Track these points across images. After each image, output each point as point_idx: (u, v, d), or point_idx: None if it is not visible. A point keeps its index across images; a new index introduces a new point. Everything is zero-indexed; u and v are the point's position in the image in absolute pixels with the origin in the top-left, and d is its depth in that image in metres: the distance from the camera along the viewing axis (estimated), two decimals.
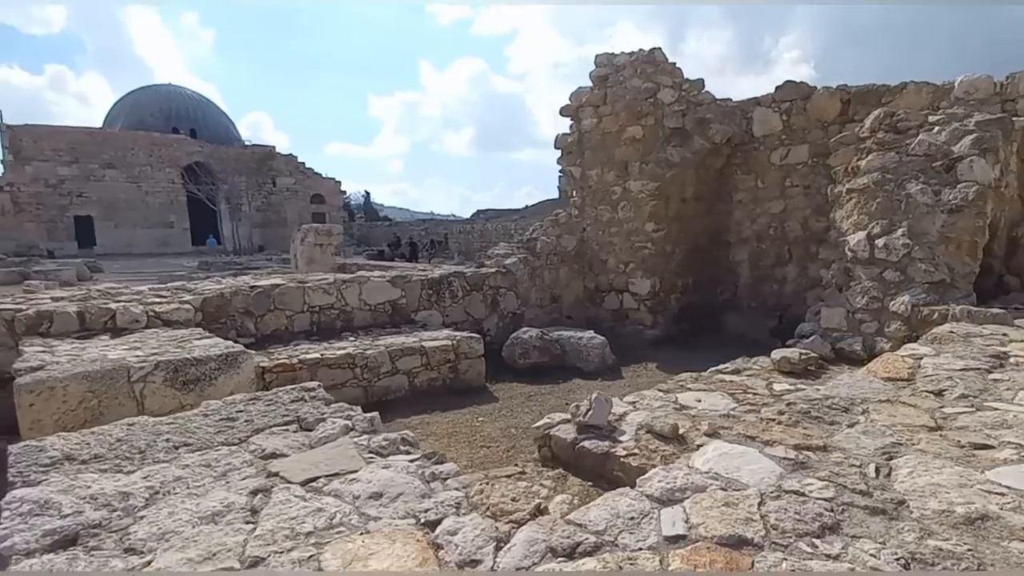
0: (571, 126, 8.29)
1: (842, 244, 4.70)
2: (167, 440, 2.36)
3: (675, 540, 1.43)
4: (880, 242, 4.38)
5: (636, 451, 2.76)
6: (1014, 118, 4.43)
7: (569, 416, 3.24)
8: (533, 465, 3.13)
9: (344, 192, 45.96)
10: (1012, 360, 2.81)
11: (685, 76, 7.28)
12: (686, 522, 1.49)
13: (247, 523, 1.73)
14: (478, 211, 36.68)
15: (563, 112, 8.34)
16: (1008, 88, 4.94)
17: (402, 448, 2.21)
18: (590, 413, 3.02)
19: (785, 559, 1.31)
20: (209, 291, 5.81)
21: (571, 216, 8.36)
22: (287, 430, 2.51)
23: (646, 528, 1.49)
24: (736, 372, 4.08)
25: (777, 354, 4.06)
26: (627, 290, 7.49)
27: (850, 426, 2.07)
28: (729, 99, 7.28)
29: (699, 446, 2.70)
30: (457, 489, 1.84)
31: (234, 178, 34.04)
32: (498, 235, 27.61)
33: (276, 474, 2.04)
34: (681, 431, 2.88)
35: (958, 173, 4.33)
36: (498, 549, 1.46)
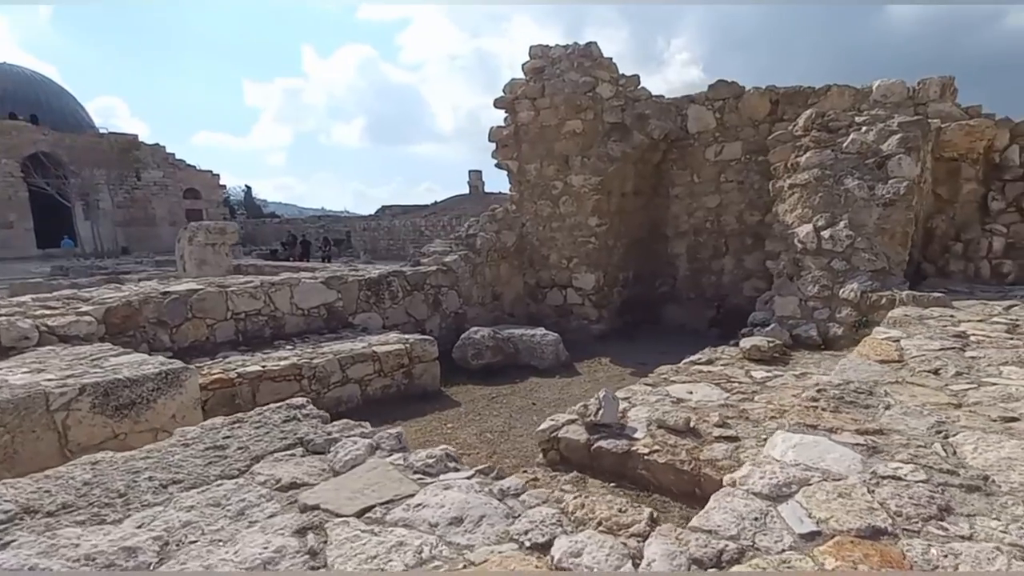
0: (506, 119, 8.24)
1: (790, 236, 5.10)
2: (149, 478, 2.00)
3: (811, 537, 1.43)
4: (826, 234, 4.80)
5: (657, 447, 2.77)
6: (929, 120, 5.04)
7: (575, 416, 3.19)
8: (542, 470, 3.05)
9: (223, 186, 42.45)
10: (973, 338, 3.18)
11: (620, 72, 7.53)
12: (810, 517, 1.50)
13: (312, 568, 1.49)
14: (383, 207, 35.52)
15: (498, 104, 8.26)
16: (919, 92, 5.64)
17: (450, 465, 2.04)
18: (601, 412, 3.00)
19: (931, 545, 1.35)
20: (112, 300, 5.06)
21: (508, 211, 8.32)
22: (293, 455, 2.22)
23: (775, 527, 1.48)
24: (710, 363, 4.27)
25: (747, 343, 4.30)
26: (571, 285, 7.60)
27: (886, 408, 2.22)
28: (662, 96, 7.63)
29: (719, 437, 2.78)
30: (542, 504, 1.72)
31: (89, 171, 30.13)
32: (407, 232, 26.97)
33: (315, 508, 1.79)
34: (692, 424, 2.94)
35: (888, 170, 4.85)
36: (636, 566, 1.37)
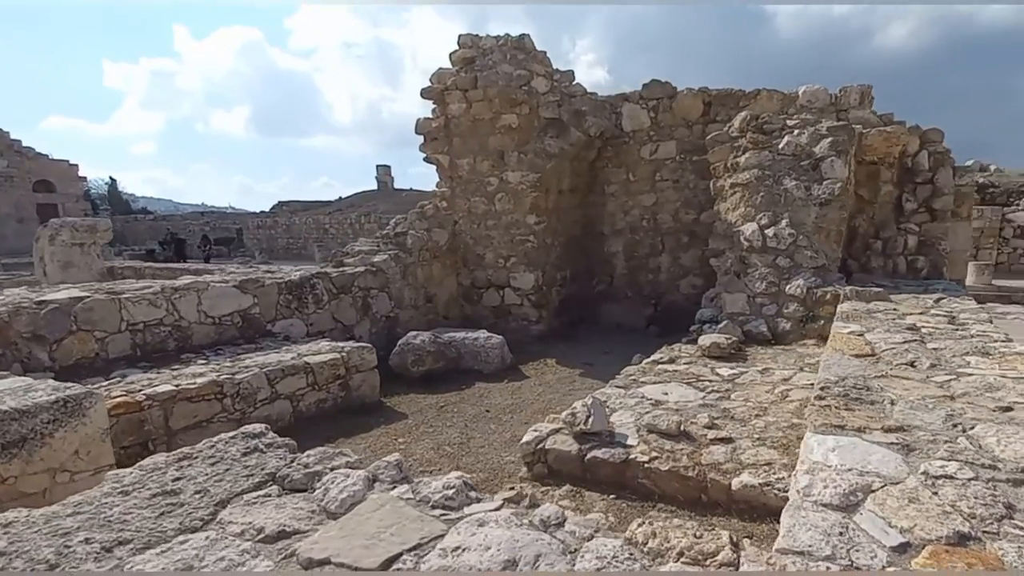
0: (434, 110, 7.95)
1: (735, 234, 5.30)
2: (86, 540, 1.60)
3: (903, 549, 1.38)
4: (770, 232, 5.04)
5: (655, 454, 2.70)
6: (852, 126, 5.46)
7: (559, 425, 3.05)
8: (530, 485, 2.87)
9: (83, 178, 37.80)
10: (924, 330, 3.43)
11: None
12: (891, 527, 1.46)
13: None
14: (279, 203, 33.36)
15: (425, 94, 7.94)
16: (841, 99, 6.11)
17: (471, 495, 1.81)
18: (591, 420, 2.88)
19: (1021, 547, 1.35)
20: None
21: (439, 208, 8.03)
22: (268, 496, 1.89)
23: (862, 541, 1.41)
24: (672, 361, 4.31)
25: (706, 340, 4.39)
26: (509, 285, 7.46)
27: (892, 404, 2.28)
28: (595, 93, 7.71)
29: (714, 439, 2.76)
30: (598, 535, 1.54)
31: None
32: (309, 230, 25.54)
33: (325, 562, 1.49)
34: (683, 427, 2.91)
35: (822, 171, 5.19)
36: None
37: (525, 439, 2.99)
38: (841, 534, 1.43)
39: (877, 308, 4.05)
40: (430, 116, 8.02)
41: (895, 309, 4.03)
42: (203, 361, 4.86)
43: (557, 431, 3.01)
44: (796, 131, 5.50)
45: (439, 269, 7.80)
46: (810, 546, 1.39)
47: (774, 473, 2.42)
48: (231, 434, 2.28)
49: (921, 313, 3.90)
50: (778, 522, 2.30)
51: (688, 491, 2.52)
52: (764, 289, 4.89)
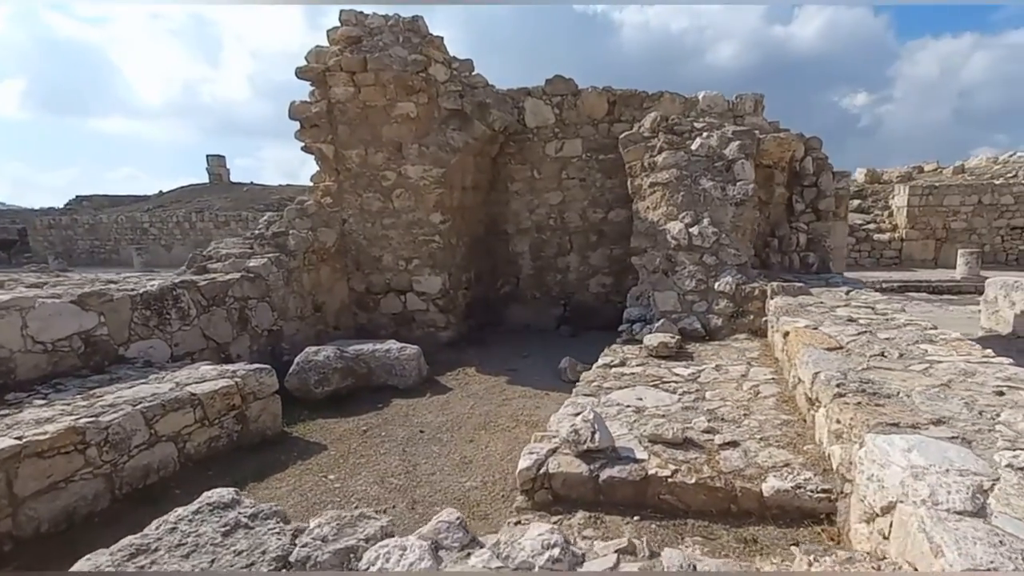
0: (314, 93, 7.20)
1: (660, 233, 5.47)
2: None
3: None
4: (694, 230, 5.27)
5: (673, 467, 2.59)
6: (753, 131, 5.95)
7: (554, 445, 2.82)
8: (535, 515, 2.60)
9: None
10: (861, 322, 3.77)
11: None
12: None
13: None
14: (78, 197, 28.30)
15: (302, 74, 7.16)
16: (737, 106, 6.63)
17: (575, 551, 1.51)
18: (597, 436, 2.69)
19: None
20: None
21: (323, 205, 7.29)
22: None
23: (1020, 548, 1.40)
24: (623, 363, 4.28)
25: (653, 340, 4.44)
26: (411, 289, 6.99)
27: (907, 396, 2.40)
28: (493, 85, 7.55)
29: (722, 444, 2.74)
30: None
31: None
32: (122, 230, 22.06)
33: None
34: (685, 435, 2.85)
35: (735, 172, 5.56)
36: None
37: (523, 465, 2.70)
38: (1000, 543, 1.40)
39: (806, 302, 4.40)
40: (308, 100, 7.25)
41: (821, 302, 4.42)
42: (42, 401, 3.80)
43: (554, 451, 2.77)
44: (705, 133, 5.84)
45: (328, 274, 7.08)
46: (981, 562, 1.34)
47: (799, 474, 2.44)
48: (192, 508, 1.71)
49: (845, 305, 4.31)
50: (817, 525, 2.32)
51: (717, 502, 2.44)
52: (694, 287, 5.11)
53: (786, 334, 3.76)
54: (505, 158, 7.59)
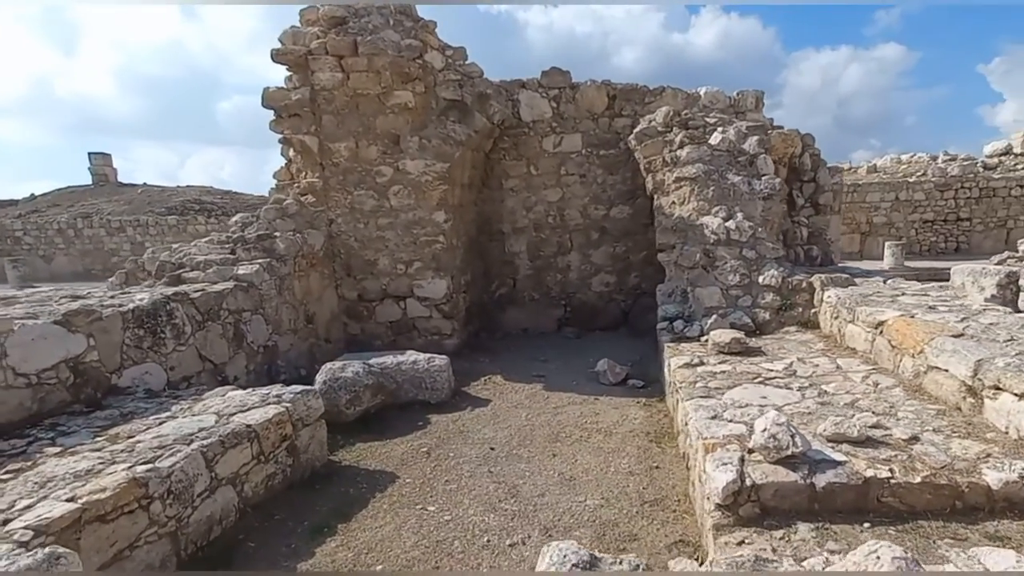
0: (292, 78, 6.50)
1: (691, 228, 5.46)
2: None
3: None
4: (731, 224, 5.31)
5: (884, 467, 2.51)
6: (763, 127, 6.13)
7: (736, 453, 2.65)
8: (750, 532, 2.40)
9: None
10: (941, 309, 3.95)
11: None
12: None
13: None
14: None
15: (280, 58, 6.42)
16: (739, 102, 6.80)
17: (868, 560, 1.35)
18: (797, 439, 2.56)
19: None
20: None
21: (303, 204, 6.59)
22: None
23: None
24: (702, 362, 4.19)
25: (724, 335, 4.39)
26: (412, 295, 6.49)
27: None
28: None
29: (905, 439, 2.72)
30: None
31: None
32: None
33: None
34: (863, 433, 2.79)
35: (758, 167, 5.68)
36: None
37: (725, 478, 2.49)
38: None
39: (866, 292, 4.57)
40: (285, 86, 6.53)
41: (879, 292, 4.60)
42: (55, 448, 3.04)
43: (742, 460, 2.60)
44: (720, 128, 5.93)
45: (317, 281, 6.40)
46: None
47: (1011, 464, 2.44)
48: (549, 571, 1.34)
49: (902, 294, 4.52)
50: None
51: (941, 500, 2.39)
52: (738, 281, 5.14)
53: (877, 325, 3.85)
54: (499, 153, 7.28)
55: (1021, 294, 6.75)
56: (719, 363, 4.16)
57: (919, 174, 13.56)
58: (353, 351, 6.57)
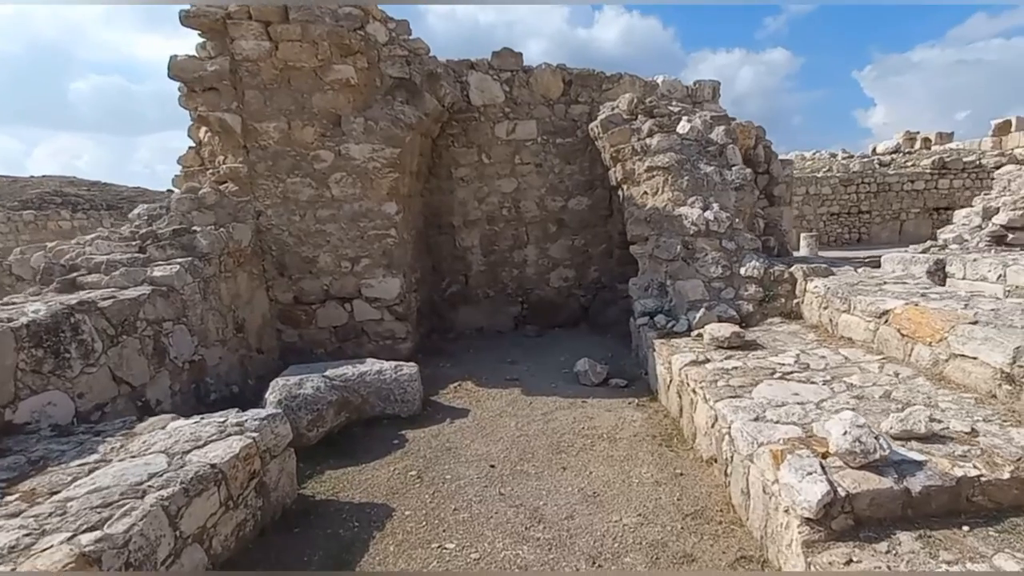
0: (207, 46, 5.65)
1: (666, 219, 5.33)
2: None
3: None
4: (709, 215, 5.23)
5: (969, 462, 2.43)
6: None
7: (813, 463, 2.47)
8: (850, 548, 2.21)
9: None
10: (933, 295, 4.06)
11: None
12: None
13: None
14: None
15: (189, 21, 5.54)
16: (696, 92, 6.79)
17: None
18: (882, 442, 2.42)
19: None
20: None
21: (224, 193, 5.75)
22: None
23: None
24: (707, 360, 4.04)
25: (723, 330, 4.26)
26: (360, 296, 5.86)
27: None
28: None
29: (967, 432, 2.68)
30: None
31: None
32: None
33: None
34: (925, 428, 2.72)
35: (727, 157, 5.67)
36: None
37: (818, 490, 2.28)
38: None
39: (851, 281, 4.65)
40: (198, 55, 5.66)
41: (861, 281, 4.70)
42: None
43: (823, 469, 2.41)
44: (686, 117, 5.88)
45: (246, 282, 5.60)
46: None
47: None
48: None
49: (894, 283, 4.63)
50: None
51: None
52: (720, 273, 5.07)
53: (881, 315, 3.88)
54: (447, 140, 6.79)
55: (948, 280, 7.32)
56: (724, 359, 4.03)
57: (824, 170, 14.74)
58: (291, 361, 5.86)
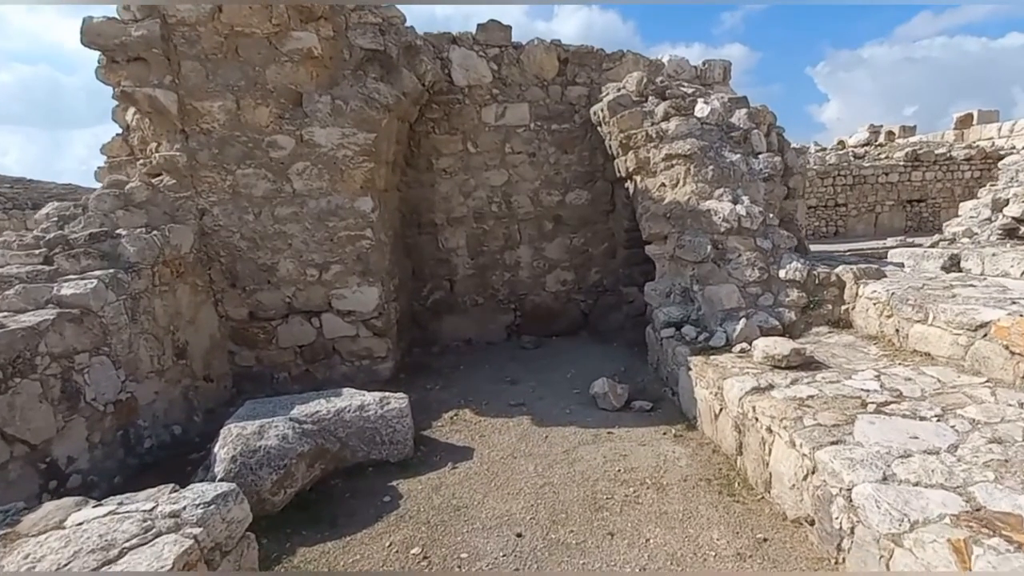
0: (130, 6, 4.56)
1: (696, 215, 4.56)
2: None
3: None
4: (741, 210, 4.50)
5: None
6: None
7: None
8: None
9: None
10: (1017, 293, 3.42)
11: None
12: None
13: None
14: None
15: None
16: (705, 73, 6.05)
17: None
18: None
19: None
20: None
21: (157, 188, 4.69)
22: None
23: None
24: (771, 386, 3.29)
25: (783, 348, 3.52)
26: (330, 309, 4.88)
27: None
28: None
29: None
30: None
31: None
32: None
33: None
34: None
35: (752, 144, 4.95)
36: None
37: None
38: None
39: (914, 285, 3.98)
40: (120, 17, 4.57)
41: (928, 284, 4.04)
42: None
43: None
44: (702, 99, 5.14)
45: (188, 296, 4.55)
46: None
47: None
48: None
49: (961, 285, 4.00)
50: None
51: None
52: (756, 277, 4.33)
53: (978, 327, 3.21)
54: (426, 125, 5.85)
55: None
56: (790, 383, 3.29)
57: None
58: (246, 389, 4.87)
